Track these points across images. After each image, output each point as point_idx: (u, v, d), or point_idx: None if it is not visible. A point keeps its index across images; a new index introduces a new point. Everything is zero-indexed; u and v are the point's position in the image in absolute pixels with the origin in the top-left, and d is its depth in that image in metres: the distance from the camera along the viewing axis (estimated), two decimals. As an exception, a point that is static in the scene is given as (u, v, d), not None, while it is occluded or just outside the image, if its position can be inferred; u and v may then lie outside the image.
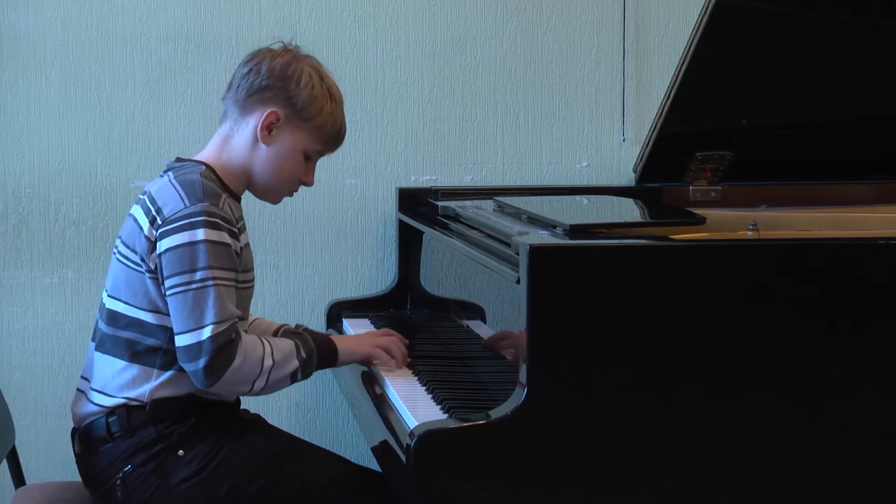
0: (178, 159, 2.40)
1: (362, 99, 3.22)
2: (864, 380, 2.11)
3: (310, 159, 2.41)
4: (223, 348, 2.21)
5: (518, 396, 2.02)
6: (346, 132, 2.44)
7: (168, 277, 2.23)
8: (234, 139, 2.38)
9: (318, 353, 2.35)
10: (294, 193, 2.45)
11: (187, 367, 2.23)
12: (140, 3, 3.15)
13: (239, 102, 2.37)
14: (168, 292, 2.24)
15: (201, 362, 2.20)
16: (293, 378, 2.32)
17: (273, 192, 2.43)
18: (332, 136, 2.40)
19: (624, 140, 3.30)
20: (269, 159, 2.37)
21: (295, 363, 2.31)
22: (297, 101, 2.34)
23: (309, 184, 2.43)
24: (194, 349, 2.21)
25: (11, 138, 3.14)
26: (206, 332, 2.20)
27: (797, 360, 2.09)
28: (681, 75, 2.82)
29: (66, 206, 3.16)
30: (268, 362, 2.27)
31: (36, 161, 3.15)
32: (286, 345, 2.32)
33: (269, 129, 2.35)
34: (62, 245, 3.17)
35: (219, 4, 3.17)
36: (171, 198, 2.27)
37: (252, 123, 2.36)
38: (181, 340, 2.22)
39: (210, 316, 2.21)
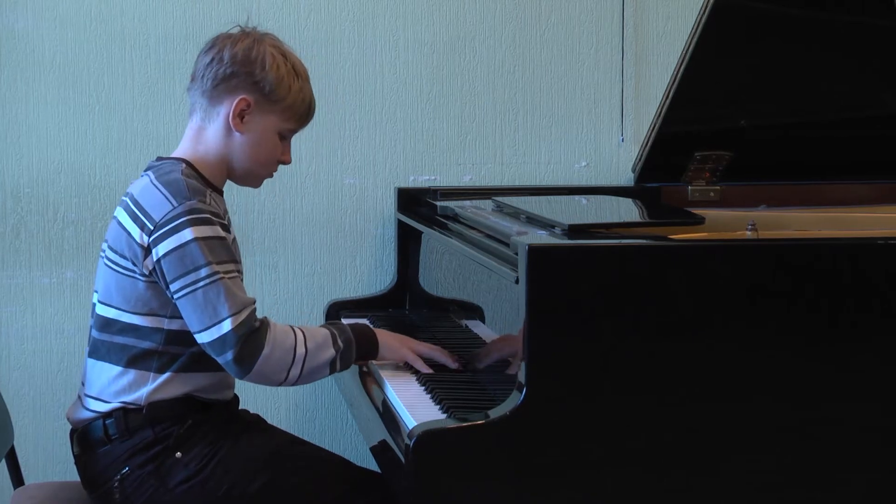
0: (159, 158, 2.39)
1: (361, 99, 3.22)
2: (863, 379, 2.11)
3: (284, 138, 2.40)
4: (248, 337, 2.20)
5: (517, 396, 2.02)
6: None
7: (173, 281, 2.22)
8: (207, 131, 2.36)
9: (357, 343, 2.34)
10: (273, 174, 2.43)
11: (219, 360, 2.22)
12: (138, 4, 3.15)
13: (206, 93, 2.34)
14: (176, 296, 2.23)
15: (229, 355, 2.20)
16: (332, 368, 2.30)
17: (253, 177, 2.42)
18: (303, 113, 2.39)
19: (623, 140, 3.30)
20: (246, 146, 2.35)
21: (331, 352, 2.29)
22: (264, 84, 2.32)
23: (287, 162, 2.42)
24: (218, 343, 2.21)
25: (10, 139, 3.14)
26: (227, 325, 2.20)
27: (796, 360, 2.09)
28: (680, 75, 2.82)
29: (64, 206, 3.16)
30: (300, 350, 2.25)
31: (34, 161, 3.15)
32: (321, 333, 2.31)
33: (240, 116, 2.33)
34: (61, 245, 3.17)
35: (217, 4, 3.17)
36: (157, 201, 2.26)
37: (223, 113, 2.34)
38: (203, 338, 2.22)
39: (225, 309, 2.20)
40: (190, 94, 2.39)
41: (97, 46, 3.15)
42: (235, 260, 2.28)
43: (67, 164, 3.16)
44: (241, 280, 2.38)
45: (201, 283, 2.21)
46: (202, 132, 2.37)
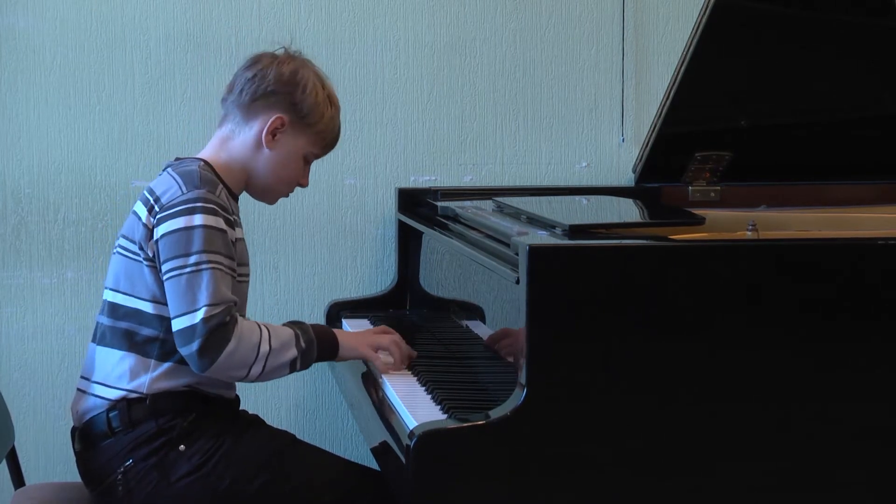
0: (178, 159, 2.43)
1: (362, 99, 3.22)
2: (863, 380, 2.11)
3: (307, 162, 2.47)
4: (216, 330, 2.21)
5: (517, 397, 2.02)
6: (342, 135, 2.50)
7: (165, 262, 2.25)
8: (234, 142, 2.41)
9: (318, 344, 2.35)
10: (289, 195, 2.50)
11: (183, 350, 2.24)
12: (139, 4, 3.15)
13: (243, 107, 2.40)
14: (165, 276, 2.26)
15: (195, 345, 2.21)
16: (292, 367, 2.31)
17: (271, 194, 2.48)
18: (330, 141, 2.47)
19: (623, 140, 3.30)
20: (272, 163, 2.41)
21: (294, 351, 2.31)
22: (302, 107, 2.39)
23: (304, 185, 2.48)
24: (188, 332, 2.22)
25: (11, 139, 3.14)
26: (200, 315, 2.21)
27: (796, 360, 2.09)
28: (680, 75, 2.82)
29: (65, 206, 3.16)
30: (264, 348, 2.27)
31: (35, 162, 3.15)
32: (285, 332, 2.32)
33: (273, 133, 2.39)
34: (61, 245, 3.17)
35: (218, 5, 3.17)
36: (168, 186, 2.31)
37: (256, 128, 2.39)
38: (176, 324, 2.24)
39: (203, 298, 2.22)
40: (223, 104, 2.44)
41: (98, 47, 3.15)
42: (232, 256, 2.30)
43: (68, 164, 3.16)
44: (246, 286, 2.42)
45: (188, 269, 2.23)
46: (229, 142, 2.42)
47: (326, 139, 2.45)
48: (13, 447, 2.51)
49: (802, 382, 2.10)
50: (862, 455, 2.12)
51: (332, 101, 2.44)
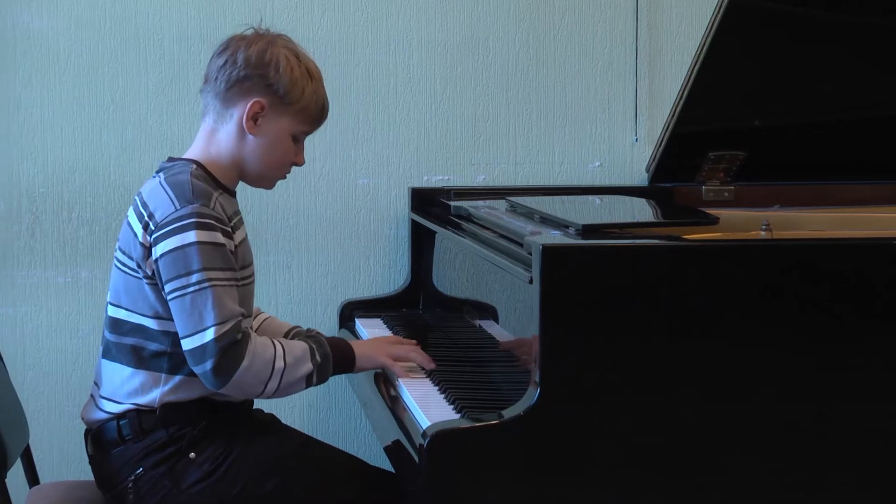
0: (170, 158, 2.38)
1: (375, 99, 3.22)
2: (875, 381, 2.11)
3: (298, 140, 2.38)
4: (229, 349, 2.20)
5: (531, 396, 2.02)
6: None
7: (167, 283, 2.22)
8: (219, 133, 2.35)
9: (334, 358, 2.33)
10: (286, 176, 2.43)
11: (196, 369, 2.22)
12: (153, 4, 3.16)
13: (220, 95, 2.33)
14: (168, 297, 2.23)
15: (208, 364, 2.20)
16: (308, 382, 2.30)
17: (266, 179, 2.41)
18: (317, 115, 2.38)
19: (636, 140, 3.29)
20: (259, 148, 2.34)
21: (309, 366, 2.29)
22: (278, 87, 2.31)
23: (300, 164, 2.41)
24: (199, 352, 2.20)
25: (25, 138, 3.15)
26: (210, 334, 2.19)
27: (810, 360, 2.09)
28: (693, 75, 2.82)
29: (79, 205, 3.17)
30: (279, 364, 2.26)
31: (50, 161, 3.16)
32: (299, 347, 2.30)
33: (254, 119, 2.32)
34: (75, 245, 3.17)
35: (232, 4, 3.17)
36: (161, 201, 2.26)
37: (236, 116, 2.33)
38: (186, 344, 2.22)
39: (210, 318, 2.19)
40: (203, 95, 2.38)
41: (112, 46, 3.16)
42: (233, 268, 2.27)
43: (82, 163, 3.16)
44: (252, 286, 2.39)
45: (191, 289, 2.20)
46: (214, 134, 2.36)
47: (312, 114, 2.36)
48: (28, 446, 2.52)
49: (815, 383, 2.09)
50: (872, 457, 2.12)
51: (311, 75, 2.34)
